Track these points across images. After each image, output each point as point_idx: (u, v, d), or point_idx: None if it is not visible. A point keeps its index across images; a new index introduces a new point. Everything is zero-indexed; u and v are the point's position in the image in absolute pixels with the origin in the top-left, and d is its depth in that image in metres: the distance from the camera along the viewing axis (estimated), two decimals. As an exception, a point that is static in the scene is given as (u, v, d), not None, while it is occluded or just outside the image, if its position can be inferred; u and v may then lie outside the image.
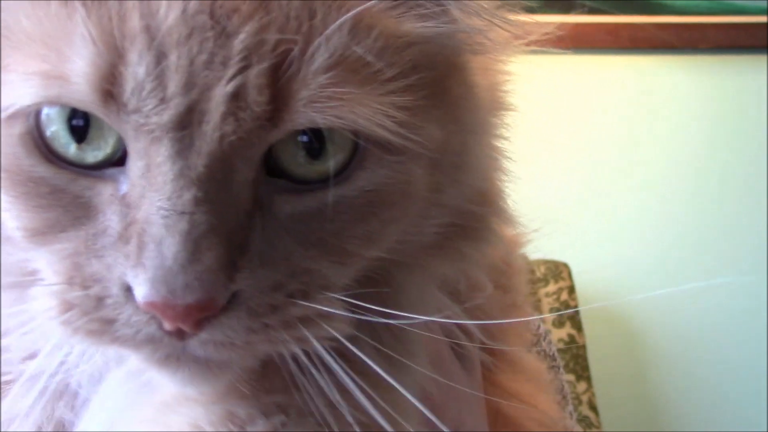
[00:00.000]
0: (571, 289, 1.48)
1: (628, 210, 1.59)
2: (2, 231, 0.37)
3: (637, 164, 1.58)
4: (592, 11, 1.54)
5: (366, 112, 0.34)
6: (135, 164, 0.33)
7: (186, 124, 0.32)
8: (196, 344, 0.33)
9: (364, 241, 0.36)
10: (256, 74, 0.32)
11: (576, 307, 1.50)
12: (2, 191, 0.35)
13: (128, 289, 0.33)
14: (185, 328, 0.32)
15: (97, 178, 0.34)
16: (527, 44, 0.41)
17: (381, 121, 0.34)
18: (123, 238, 0.33)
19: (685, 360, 1.59)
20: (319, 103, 0.33)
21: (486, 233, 0.43)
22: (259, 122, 0.32)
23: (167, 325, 0.32)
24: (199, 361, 0.34)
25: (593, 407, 1.43)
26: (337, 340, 0.35)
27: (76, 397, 0.42)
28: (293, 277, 0.35)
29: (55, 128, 0.34)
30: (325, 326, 0.35)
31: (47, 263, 0.35)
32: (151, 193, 0.32)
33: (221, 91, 0.32)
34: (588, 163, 1.58)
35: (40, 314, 0.35)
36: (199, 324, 0.33)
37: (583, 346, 1.46)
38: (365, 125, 0.34)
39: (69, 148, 0.34)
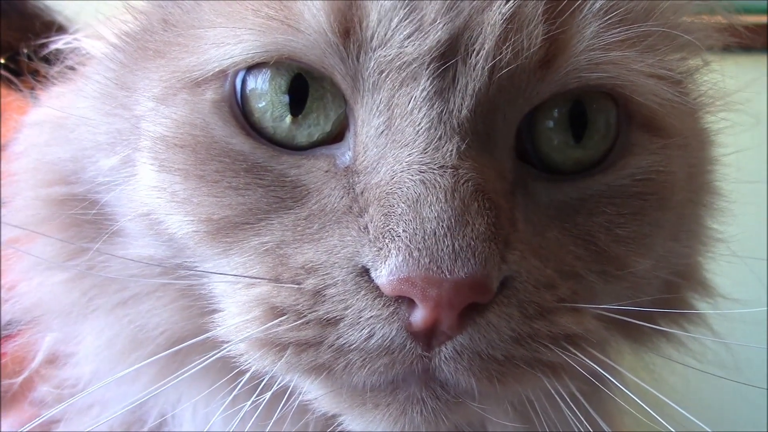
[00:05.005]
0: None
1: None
2: (158, 245, 0.31)
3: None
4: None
5: (642, 73, 0.29)
6: (368, 125, 0.26)
7: (449, 56, 0.26)
8: (446, 358, 0.25)
9: (635, 246, 0.30)
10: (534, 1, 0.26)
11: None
12: (179, 177, 0.28)
13: (362, 273, 0.25)
14: (447, 322, 0.24)
15: (305, 156, 0.28)
16: None
17: (655, 88, 0.29)
18: (353, 210, 0.26)
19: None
20: (596, 52, 0.27)
21: (688, 308, 0.37)
22: (533, 60, 0.27)
23: (421, 318, 0.25)
24: (435, 396, 0.26)
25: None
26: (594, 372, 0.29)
27: None
28: (563, 279, 0.28)
29: (267, 101, 0.27)
30: (590, 350, 0.29)
31: (240, 265, 0.28)
32: (394, 150, 0.26)
33: (497, 13, 0.26)
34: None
35: (232, 336, 0.27)
36: (462, 321, 0.25)
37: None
38: (642, 89, 0.29)
39: (281, 122, 0.27)
